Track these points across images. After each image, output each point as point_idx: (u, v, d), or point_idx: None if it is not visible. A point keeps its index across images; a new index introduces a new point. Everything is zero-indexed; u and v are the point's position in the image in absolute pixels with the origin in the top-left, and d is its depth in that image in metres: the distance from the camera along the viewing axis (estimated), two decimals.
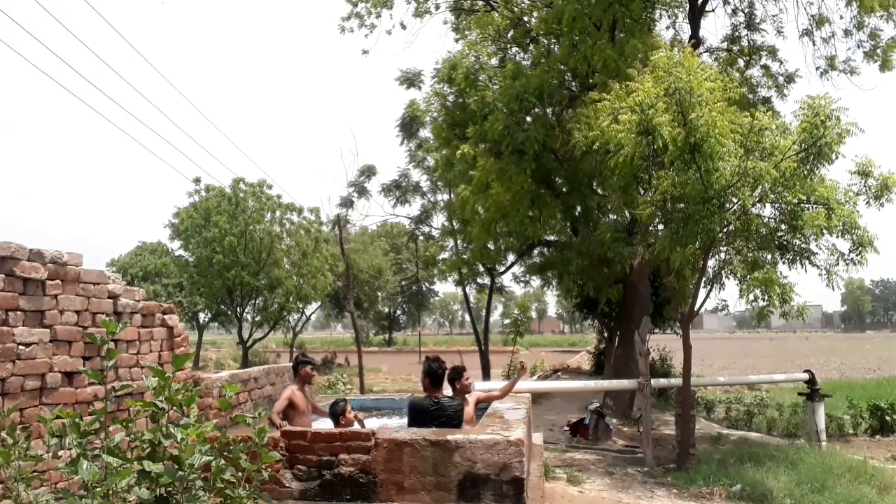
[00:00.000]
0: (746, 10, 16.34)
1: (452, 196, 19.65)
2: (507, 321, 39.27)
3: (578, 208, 14.70)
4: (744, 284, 9.39)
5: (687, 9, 15.35)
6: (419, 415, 5.60)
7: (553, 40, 14.59)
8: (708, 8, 15.69)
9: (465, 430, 5.06)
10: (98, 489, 2.73)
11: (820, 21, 15.64)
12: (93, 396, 4.65)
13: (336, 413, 6.11)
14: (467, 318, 68.59)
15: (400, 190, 24.72)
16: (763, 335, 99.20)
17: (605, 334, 22.33)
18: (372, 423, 6.58)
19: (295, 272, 26.39)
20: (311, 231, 26.51)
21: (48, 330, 4.36)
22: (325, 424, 6.04)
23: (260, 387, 7.64)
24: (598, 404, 12.51)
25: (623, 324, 15.48)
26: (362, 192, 25.31)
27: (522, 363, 7.53)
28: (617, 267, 13.44)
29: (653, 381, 10.64)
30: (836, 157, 8.29)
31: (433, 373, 5.87)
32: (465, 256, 20.37)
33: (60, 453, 3.35)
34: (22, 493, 2.96)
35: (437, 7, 17.77)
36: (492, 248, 17.20)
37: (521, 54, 16.03)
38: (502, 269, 21.92)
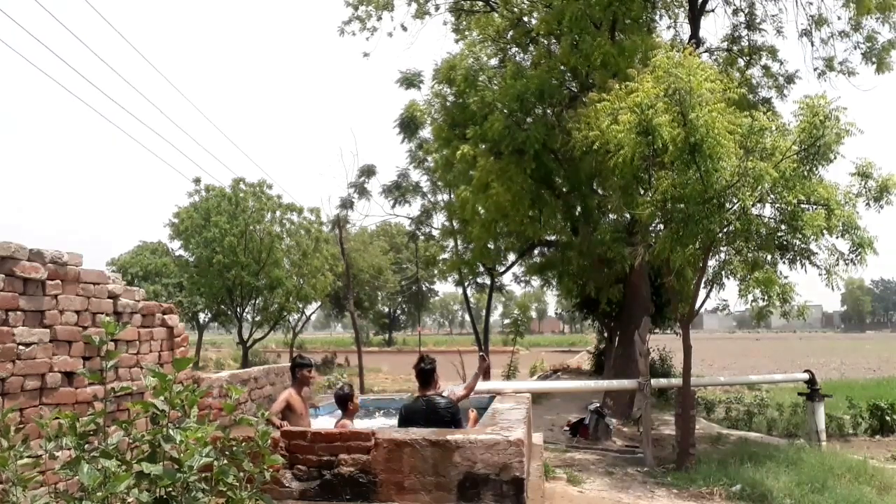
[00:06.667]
0: (746, 10, 16.35)
1: (452, 196, 19.65)
2: (507, 321, 39.33)
3: (578, 208, 14.70)
4: (744, 284, 9.40)
5: (687, 9, 15.35)
6: (410, 416, 5.60)
7: (553, 40, 14.59)
8: (708, 8, 15.70)
9: (462, 431, 5.05)
10: (99, 493, 2.73)
11: (819, 21, 15.65)
12: (93, 397, 4.65)
13: (344, 398, 6.13)
14: (467, 318, 68.64)
15: (400, 190, 24.72)
16: (763, 335, 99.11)
17: (605, 334, 22.34)
18: (372, 424, 6.59)
19: (295, 272, 26.35)
20: (312, 231, 26.47)
21: (48, 330, 4.36)
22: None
23: (260, 387, 7.65)
24: (598, 404, 12.50)
25: (623, 324, 15.47)
26: (362, 192, 25.32)
27: (482, 355, 7.44)
28: (617, 267, 13.44)
29: (653, 381, 10.63)
30: (836, 157, 8.31)
31: (421, 372, 5.87)
32: (465, 256, 20.36)
33: (59, 454, 3.35)
34: (20, 496, 2.96)
35: (437, 8, 17.80)
36: (492, 248, 17.20)
37: (521, 55, 16.03)
38: (502, 269, 21.93)
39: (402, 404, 6.14)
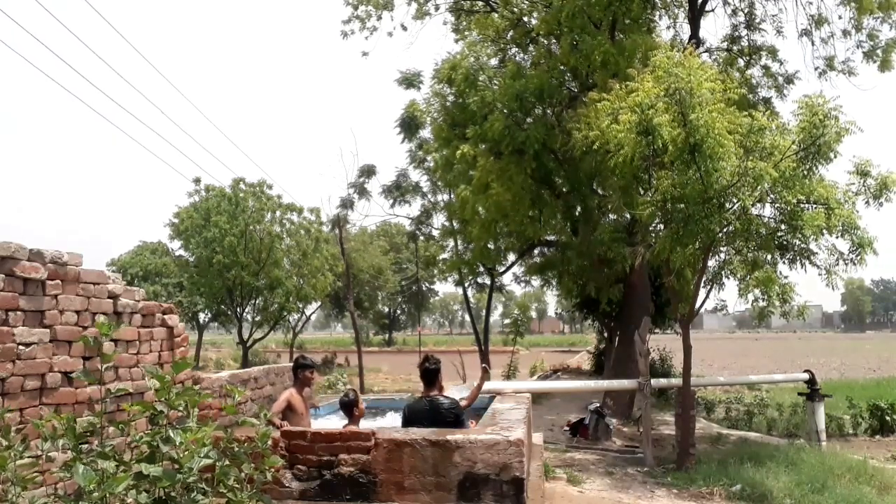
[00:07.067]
0: (746, 10, 16.36)
1: (452, 196, 19.65)
2: (507, 321, 39.29)
3: (578, 208, 14.70)
4: (744, 284, 9.40)
5: (687, 9, 15.35)
6: (413, 416, 5.59)
7: (553, 40, 14.60)
8: (708, 8, 15.71)
9: (462, 431, 5.04)
10: (95, 494, 2.72)
11: (819, 21, 15.67)
12: (90, 398, 4.65)
13: (349, 404, 6.12)
14: (467, 318, 68.63)
15: (400, 190, 24.72)
16: (762, 335, 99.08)
17: (605, 334, 22.34)
18: (372, 424, 6.59)
19: (295, 272, 26.36)
20: (311, 231, 26.48)
21: (48, 330, 4.36)
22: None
23: (260, 387, 7.65)
24: (598, 404, 12.50)
25: (623, 324, 15.47)
26: (362, 192, 25.31)
27: (485, 367, 7.41)
28: (617, 267, 13.44)
29: (653, 381, 10.63)
30: (835, 157, 8.31)
31: (425, 372, 5.85)
32: (465, 256, 20.36)
33: (58, 455, 3.35)
34: (19, 497, 2.95)
35: (437, 8, 17.80)
36: (492, 248, 17.20)
37: (521, 55, 16.03)
38: (502, 269, 21.91)
39: (406, 404, 6.13)
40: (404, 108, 20.83)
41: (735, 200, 8.28)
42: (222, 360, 35.95)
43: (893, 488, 7.95)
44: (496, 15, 16.13)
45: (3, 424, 3.04)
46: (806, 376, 12.71)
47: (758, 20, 16.25)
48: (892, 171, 8.79)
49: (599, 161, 10.84)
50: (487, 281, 23.77)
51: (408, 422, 5.56)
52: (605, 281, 15.31)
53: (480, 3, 17.39)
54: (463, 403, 6.18)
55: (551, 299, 79.19)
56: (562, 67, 13.54)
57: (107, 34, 15.16)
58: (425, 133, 21.30)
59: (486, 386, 8.69)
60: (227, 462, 3.16)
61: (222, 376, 7.01)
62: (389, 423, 7.15)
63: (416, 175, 24.40)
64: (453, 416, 5.55)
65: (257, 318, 27.79)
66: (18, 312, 4.13)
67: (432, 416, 5.47)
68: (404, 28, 18.15)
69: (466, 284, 24.57)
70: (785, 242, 8.90)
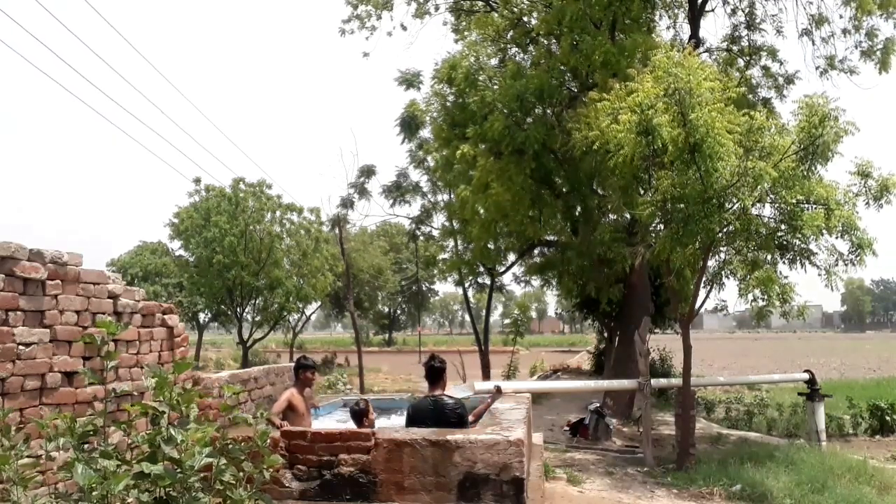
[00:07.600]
0: (746, 10, 16.35)
1: (452, 196, 19.65)
2: (507, 321, 39.24)
3: (578, 208, 14.70)
4: (744, 284, 9.41)
5: (687, 9, 15.35)
6: (417, 415, 5.58)
7: (553, 40, 14.60)
8: (708, 8, 15.70)
9: (462, 431, 5.03)
10: (95, 492, 2.72)
11: (819, 21, 15.65)
12: (93, 397, 4.65)
13: (360, 414, 6.10)
14: (467, 318, 68.59)
15: (400, 190, 24.70)
16: (762, 335, 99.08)
17: (605, 334, 22.33)
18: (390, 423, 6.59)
19: (295, 272, 26.37)
20: (311, 231, 26.49)
21: (48, 330, 4.37)
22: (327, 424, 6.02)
23: (260, 387, 7.66)
24: (598, 404, 12.51)
25: (623, 324, 15.48)
26: (362, 192, 25.28)
27: (498, 387, 7.41)
28: (617, 267, 13.44)
29: (653, 381, 10.64)
30: (834, 157, 8.32)
31: (430, 370, 5.83)
32: (465, 256, 20.35)
33: (59, 455, 3.35)
34: (20, 496, 2.95)
35: (437, 8, 17.79)
36: (492, 248, 17.20)
37: (521, 55, 16.03)
38: (502, 269, 21.90)
39: (410, 403, 6.10)
40: (404, 108, 20.81)
41: (735, 200, 8.28)
42: (222, 360, 35.93)
43: (893, 488, 7.96)
44: (496, 15, 16.11)
45: (3, 424, 3.04)
46: (806, 376, 12.72)
47: (758, 20, 16.25)
48: (893, 174, 8.79)
49: (599, 161, 10.84)
50: (487, 281, 23.74)
51: (411, 421, 5.54)
52: (605, 281, 15.31)
53: (480, 3, 17.38)
54: (469, 418, 6.12)
55: (551, 299, 79.30)
56: (562, 67, 13.53)
57: (107, 34, 15.17)
58: (425, 133, 21.28)
59: (486, 386, 8.71)
60: (223, 461, 3.16)
61: (222, 376, 7.02)
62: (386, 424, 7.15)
63: (416, 175, 24.38)
64: (457, 417, 5.53)
65: (257, 318, 27.81)
66: (18, 312, 4.13)
67: (436, 416, 5.45)
68: (404, 28, 18.16)
69: (466, 284, 24.54)
70: (785, 242, 8.90)
